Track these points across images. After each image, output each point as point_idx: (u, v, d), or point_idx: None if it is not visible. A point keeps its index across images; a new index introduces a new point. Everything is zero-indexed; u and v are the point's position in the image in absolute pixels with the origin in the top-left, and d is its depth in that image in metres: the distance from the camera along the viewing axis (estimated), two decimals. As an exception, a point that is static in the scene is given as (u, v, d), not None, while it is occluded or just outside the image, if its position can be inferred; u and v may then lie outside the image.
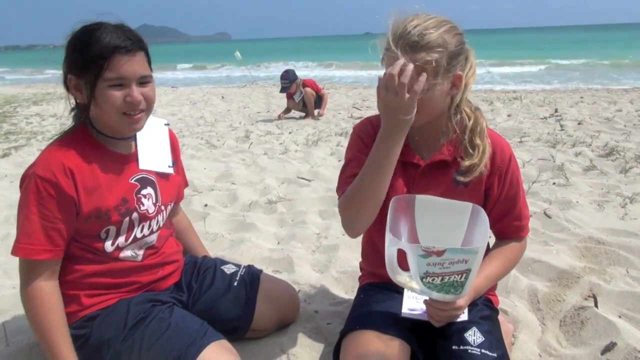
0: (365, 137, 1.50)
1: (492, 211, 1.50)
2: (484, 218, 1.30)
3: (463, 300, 1.34)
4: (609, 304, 2.00)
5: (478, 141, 1.42)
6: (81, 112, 1.52)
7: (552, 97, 8.66)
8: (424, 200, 1.36)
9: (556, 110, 6.92)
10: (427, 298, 1.35)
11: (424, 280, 1.24)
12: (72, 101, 1.51)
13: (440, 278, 1.23)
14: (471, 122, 1.42)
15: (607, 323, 1.81)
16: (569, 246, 2.52)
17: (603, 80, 13.35)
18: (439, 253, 1.19)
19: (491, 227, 1.53)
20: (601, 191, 3.41)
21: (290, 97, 7.58)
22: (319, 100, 7.69)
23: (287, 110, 7.77)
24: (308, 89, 7.52)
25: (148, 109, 1.49)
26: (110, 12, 1.44)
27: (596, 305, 1.96)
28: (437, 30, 1.30)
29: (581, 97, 8.50)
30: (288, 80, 7.49)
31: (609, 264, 2.35)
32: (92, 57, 1.36)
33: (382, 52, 1.36)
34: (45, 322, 1.41)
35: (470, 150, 1.42)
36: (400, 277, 1.31)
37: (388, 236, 1.26)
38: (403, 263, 1.27)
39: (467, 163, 1.41)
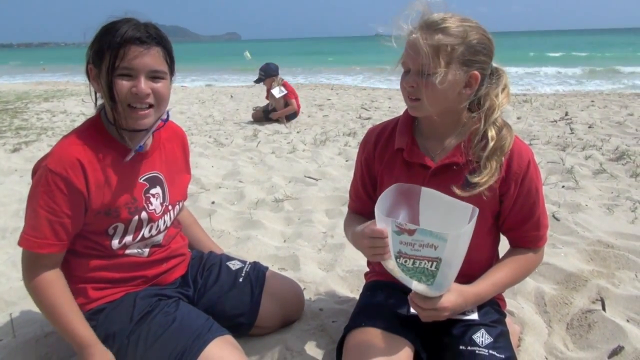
0: (364, 149, 1.60)
1: (507, 218, 1.46)
2: (474, 219, 1.26)
3: (449, 302, 1.29)
4: (617, 307, 1.98)
5: (494, 163, 1.36)
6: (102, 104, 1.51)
7: (563, 101, 8.58)
8: (429, 194, 1.35)
9: (566, 114, 6.86)
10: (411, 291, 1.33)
11: (398, 260, 1.25)
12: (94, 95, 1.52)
13: (412, 261, 1.23)
14: (493, 142, 1.36)
15: (614, 327, 1.80)
16: (577, 249, 2.50)
17: (615, 83, 13.22)
18: (410, 232, 1.20)
19: (506, 235, 1.54)
20: (611, 195, 3.38)
21: (269, 92, 7.17)
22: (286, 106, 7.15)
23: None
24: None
25: (157, 105, 1.46)
26: (139, 11, 1.45)
27: (604, 309, 1.94)
28: (461, 22, 1.32)
29: (592, 101, 8.42)
30: (263, 72, 7.11)
31: (618, 267, 2.33)
32: (108, 45, 1.37)
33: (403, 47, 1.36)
34: (55, 305, 1.42)
35: (482, 168, 1.36)
36: (388, 262, 1.30)
37: (378, 216, 1.25)
38: None
39: (476, 179, 1.35)
